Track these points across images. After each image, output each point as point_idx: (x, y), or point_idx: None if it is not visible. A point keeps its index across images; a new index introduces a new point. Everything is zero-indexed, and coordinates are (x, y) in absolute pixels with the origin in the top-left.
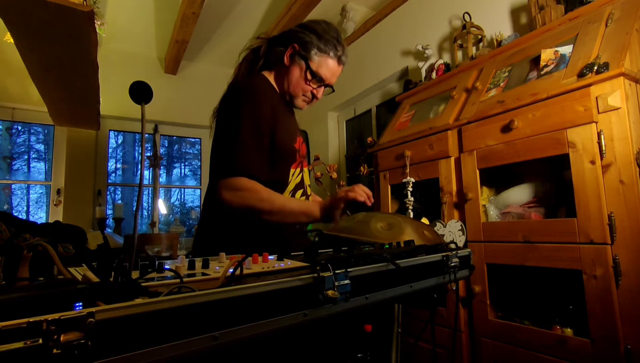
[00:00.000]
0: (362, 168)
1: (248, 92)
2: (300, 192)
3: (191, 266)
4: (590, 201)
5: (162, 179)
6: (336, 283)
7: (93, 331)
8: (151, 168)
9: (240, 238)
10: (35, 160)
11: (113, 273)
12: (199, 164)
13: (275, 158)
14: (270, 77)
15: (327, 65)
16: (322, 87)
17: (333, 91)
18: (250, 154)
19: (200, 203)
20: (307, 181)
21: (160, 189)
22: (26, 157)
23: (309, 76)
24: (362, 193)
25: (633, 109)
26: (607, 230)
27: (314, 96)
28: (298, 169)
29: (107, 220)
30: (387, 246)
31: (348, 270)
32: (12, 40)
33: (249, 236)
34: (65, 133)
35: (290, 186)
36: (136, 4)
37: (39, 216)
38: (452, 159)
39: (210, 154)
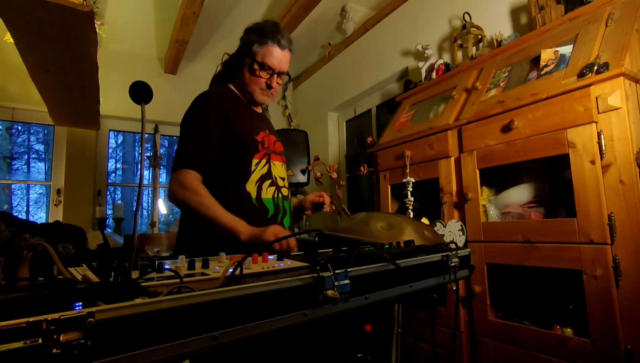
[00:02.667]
0: (362, 168)
1: (196, 100)
2: (267, 182)
3: (191, 266)
4: (590, 201)
5: (162, 179)
6: (336, 283)
7: (93, 331)
8: (151, 168)
9: (211, 239)
10: (35, 160)
11: (113, 273)
12: None
13: (232, 148)
14: (232, 87)
15: (270, 53)
16: (275, 75)
17: (290, 78)
18: (195, 147)
19: None
20: (280, 174)
21: (160, 189)
22: (26, 157)
23: (256, 67)
24: (290, 246)
25: (633, 109)
26: (607, 230)
27: (269, 86)
28: (264, 161)
29: (107, 220)
30: (387, 246)
31: (348, 270)
32: (12, 40)
33: (217, 237)
34: (65, 133)
35: (255, 176)
36: (136, 4)
37: (39, 216)
38: (452, 159)
39: None
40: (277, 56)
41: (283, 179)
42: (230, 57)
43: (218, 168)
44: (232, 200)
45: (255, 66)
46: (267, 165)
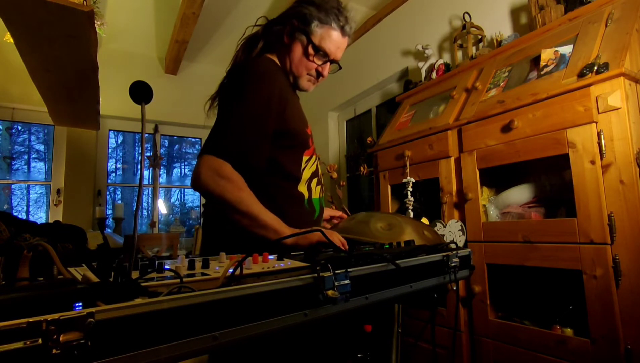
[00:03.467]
0: (362, 168)
1: (253, 70)
2: (315, 181)
3: (191, 266)
4: (590, 201)
5: (162, 179)
6: (336, 283)
7: (93, 331)
8: (151, 168)
9: (246, 237)
10: (35, 160)
11: (113, 273)
12: None
13: (286, 143)
14: (274, 58)
15: (330, 37)
16: (328, 63)
17: (340, 68)
18: (247, 137)
19: (201, 203)
20: (319, 171)
21: (160, 189)
22: (26, 157)
23: (311, 51)
24: (337, 241)
25: (633, 109)
26: (607, 230)
27: (319, 74)
28: (313, 158)
29: (107, 220)
30: (387, 246)
31: (348, 270)
32: (12, 41)
33: (255, 236)
34: (65, 133)
35: (306, 175)
36: (136, 4)
37: (39, 216)
38: (452, 159)
39: None
40: (337, 42)
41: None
42: (277, 24)
43: (264, 164)
44: (283, 202)
45: (310, 49)
46: (316, 162)
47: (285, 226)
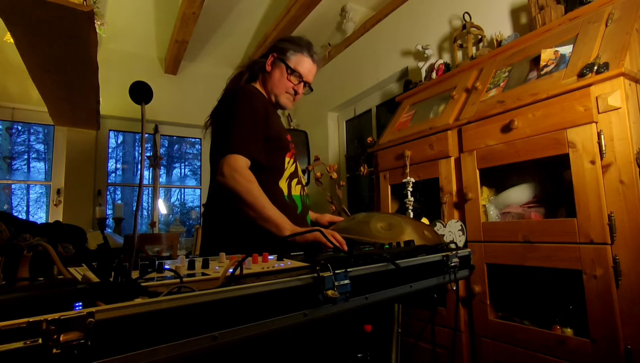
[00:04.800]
0: (362, 168)
1: (242, 91)
2: (295, 180)
3: (191, 266)
4: (590, 201)
5: (162, 179)
6: (336, 283)
7: (93, 331)
8: (151, 168)
9: (246, 237)
10: (35, 160)
11: (113, 273)
12: (199, 164)
13: (271, 147)
14: (257, 86)
15: (302, 62)
16: (302, 83)
17: (311, 90)
18: (249, 137)
19: (201, 203)
20: (301, 174)
21: (160, 189)
22: (26, 157)
23: (288, 72)
24: (334, 241)
25: (633, 109)
26: (607, 230)
27: (295, 92)
28: (292, 160)
29: (107, 220)
30: (387, 246)
31: (348, 270)
32: (12, 41)
33: (255, 235)
34: (65, 133)
35: (287, 173)
36: (136, 4)
37: (39, 216)
38: (452, 159)
39: (209, 156)
40: (308, 67)
41: (303, 176)
42: (258, 59)
43: (263, 161)
44: (267, 195)
45: (287, 70)
46: (295, 164)
47: (288, 223)
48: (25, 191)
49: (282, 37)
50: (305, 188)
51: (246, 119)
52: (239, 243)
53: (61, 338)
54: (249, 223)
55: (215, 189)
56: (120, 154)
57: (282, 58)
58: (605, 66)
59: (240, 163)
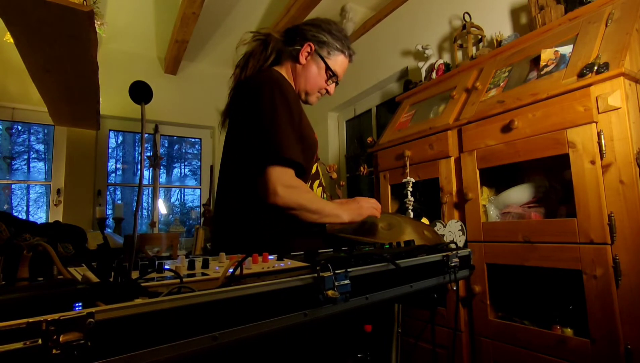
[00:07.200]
0: (362, 168)
1: (278, 83)
2: (317, 182)
3: (191, 266)
4: (590, 201)
5: (162, 179)
6: (336, 283)
7: (93, 331)
8: (151, 168)
9: (284, 235)
10: (35, 160)
11: (113, 273)
12: (199, 164)
13: (304, 147)
14: (282, 72)
15: (342, 64)
16: (334, 83)
17: (337, 84)
18: (295, 141)
19: (201, 203)
20: (320, 174)
21: (160, 189)
22: (26, 157)
23: (327, 74)
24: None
25: (633, 109)
26: (607, 230)
27: (327, 92)
28: (315, 161)
29: (107, 220)
30: (387, 246)
31: (348, 270)
32: (12, 41)
33: (292, 233)
34: (65, 133)
35: (309, 176)
36: (136, 4)
37: (39, 216)
38: (452, 159)
39: (224, 153)
40: (344, 67)
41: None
42: (291, 43)
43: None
44: None
45: (327, 72)
46: (316, 165)
47: (339, 209)
48: (25, 191)
49: (316, 21)
50: (326, 189)
51: (288, 118)
52: (254, 241)
53: (61, 339)
54: (287, 220)
55: (234, 186)
56: (120, 154)
57: (321, 55)
58: (605, 66)
59: (290, 176)
